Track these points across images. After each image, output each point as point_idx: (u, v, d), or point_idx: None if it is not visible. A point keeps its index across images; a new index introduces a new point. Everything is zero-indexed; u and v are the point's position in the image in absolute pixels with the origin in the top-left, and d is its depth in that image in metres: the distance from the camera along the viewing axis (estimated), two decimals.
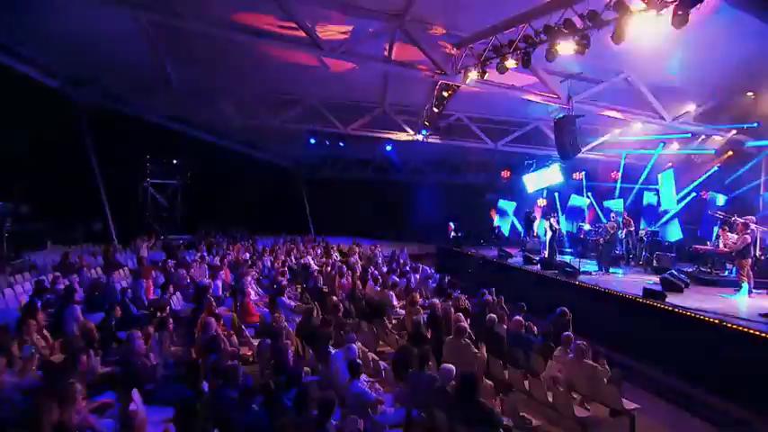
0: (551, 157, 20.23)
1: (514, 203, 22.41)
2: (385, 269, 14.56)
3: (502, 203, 23.28)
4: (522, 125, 19.84)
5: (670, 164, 17.97)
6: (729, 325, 8.08)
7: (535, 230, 17.55)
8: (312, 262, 15.73)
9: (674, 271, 11.46)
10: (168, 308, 9.01)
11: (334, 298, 9.17)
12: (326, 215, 28.48)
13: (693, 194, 16.76)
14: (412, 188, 26.71)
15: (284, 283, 10.90)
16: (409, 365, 5.80)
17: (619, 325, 10.26)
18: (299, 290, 12.61)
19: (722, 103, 14.47)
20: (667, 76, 13.95)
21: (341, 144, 21.37)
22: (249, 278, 11.10)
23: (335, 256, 16.89)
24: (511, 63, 10.78)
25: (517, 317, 8.02)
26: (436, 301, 9.17)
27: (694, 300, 9.85)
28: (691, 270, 12.83)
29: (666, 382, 8.49)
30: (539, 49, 10.19)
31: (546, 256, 15.81)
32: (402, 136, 20.29)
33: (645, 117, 14.41)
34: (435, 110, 15.89)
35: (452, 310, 8.49)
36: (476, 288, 15.45)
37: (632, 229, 14.98)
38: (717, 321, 8.32)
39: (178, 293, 10.63)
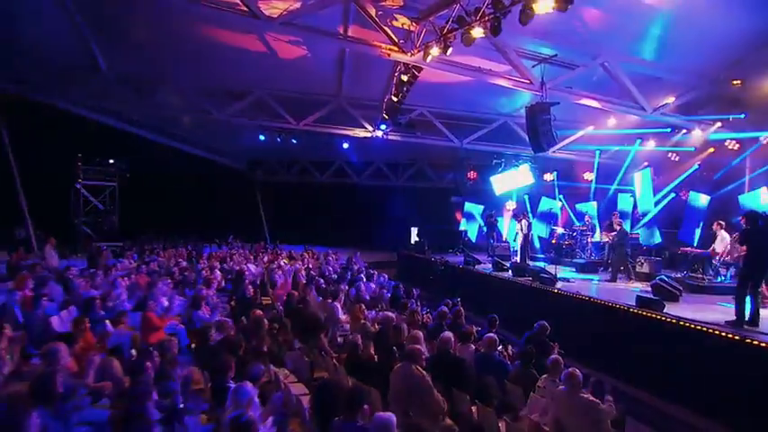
0: (521, 156, 18.83)
1: (482, 207, 20.87)
2: (336, 277, 12.67)
3: (468, 206, 21.69)
4: (489, 122, 18.35)
5: (646, 163, 16.74)
6: (756, 342, 6.47)
7: (504, 234, 15.99)
8: (252, 269, 13.70)
9: (663, 277, 9.98)
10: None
11: (258, 312, 7.23)
12: (283, 221, 26.38)
13: (672, 195, 15.49)
14: (373, 192, 24.93)
15: (204, 293, 8.90)
16: (335, 410, 3.96)
17: (608, 341, 8.62)
18: (233, 302, 10.62)
19: (705, 94, 13.24)
20: (647, 61, 12.69)
21: (293, 141, 19.44)
22: (160, 288, 9.05)
23: (281, 262, 14.89)
24: (478, 32, 9.19)
25: (489, 334, 6.24)
26: (390, 314, 7.37)
27: (694, 310, 8.29)
28: (680, 276, 11.40)
29: (672, 414, 6.87)
30: (510, 19, 8.69)
31: (518, 261, 14.25)
32: (360, 132, 18.57)
33: (624, 107, 13.06)
34: (394, 98, 14.19)
35: (406, 326, 6.65)
36: (440, 299, 13.95)
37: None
38: (737, 338, 6.71)
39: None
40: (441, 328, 7.05)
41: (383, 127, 17.54)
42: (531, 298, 11.13)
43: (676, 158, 15.81)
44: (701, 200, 14.44)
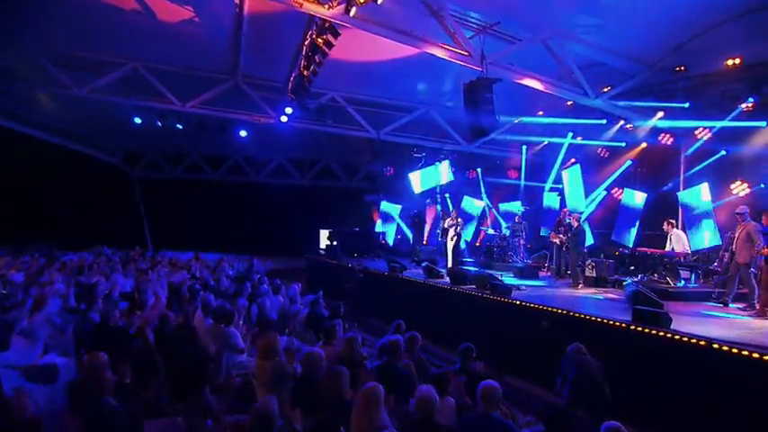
0: (442, 150, 17.12)
1: (399, 206, 18.88)
2: (232, 291, 9.87)
3: (385, 206, 19.58)
4: (409, 110, 16.44)
5: (573, 160, 15.71)
6: None
7: (439, 236, 14.08)
8: (121, 282, 10.47)
9: (630, 281, 8.50)
10: None
11: (96, 356, 4.38)
12: (169, 224, 22.48)
13: (604, 193, 14.48)
14: (274, 191, 22.04)
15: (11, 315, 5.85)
16: None
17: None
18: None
19: (646, 82, 12.22)
20: (590, 41, 11.40)
21: (178, 126, 16.19)
22: None
23: (161, 272, 11.71)
24: None
25: (488, 384, 3.93)
26: (316, 350, 4.90)
27: (693, 323, 6.63)
28: (638, 280, 10.04)
29: None
30: None
31: (451, 266, 12.35)
32: (261, 118, 15.84)
33: (566, 91, 11.64)
34: (305, 72, 11.69)
35: (342, 368, 4.19)
36: (358, 315, 11.61)
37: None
38: None
39: None
40: (392, 367, 4.74)
41: (289, 111, 14.92)
42: (480, 311, 9.12)
43: (606, 155, 14.88)
44: (637, 198, 13.49)
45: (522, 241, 14.33)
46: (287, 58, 13.88)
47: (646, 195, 13.31)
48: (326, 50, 10.91)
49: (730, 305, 8.18)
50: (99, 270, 11.89)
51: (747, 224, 7.99)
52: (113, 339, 6.39)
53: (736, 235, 8.14)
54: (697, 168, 12.11)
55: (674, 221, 10.54)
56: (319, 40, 10.43)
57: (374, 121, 16.47)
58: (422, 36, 10.20)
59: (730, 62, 10.72)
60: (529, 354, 7.37)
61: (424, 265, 12.03)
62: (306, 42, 11.57)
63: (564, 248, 11.28)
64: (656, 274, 10.08)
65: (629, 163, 13.95)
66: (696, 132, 12.19)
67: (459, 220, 13.29)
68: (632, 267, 11.51)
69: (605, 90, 12.06)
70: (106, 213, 21.35)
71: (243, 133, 16.56)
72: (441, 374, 4.47)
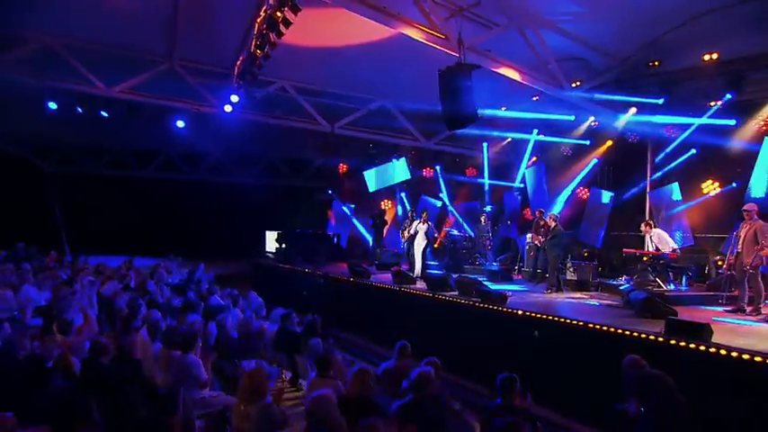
0: (399, 147, 16.15)
1: (352, 205, 17.67)
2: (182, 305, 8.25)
3: (339, 206, 18.25)
4: (366, 103, 15.32)
5: (535, 158, 15.22)
6: None
7: (404, 237, 13.03)
8: (33, 295, 8.59)
9: (626, 286, 7.86)
10: None
11: None
12: (90, 227, 19.89)
13: (568, 193, 14.03)
14: (213, 189, 20.16)
15: None
16: None
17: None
18: None
19: (620, 76, 11.83)
20: (568, 32, 10.83)
21: (103, 114, 14.15)
22: None
23: (85, 282, 9.84)
24: None
25: None
26: (326, 393, 3.67)
27: (722, 332, 5.92)
28: (624, 283, 9.47)
29: None
30: None
31: (420, 271, 11.34)
32: (202, 107, 14.17)
33: (542, 82, 10.97)
34: (258, 52, 10.29)
35: (377, 423, 2.99)
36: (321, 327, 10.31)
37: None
38: None
39: None
40: (423, 410, 3.62)
41: (235, 99, 13.36)
42: (468, 323, 8.10)
43: (569, 153, 14.47)
44: (604, 197, 13.11)
45: (488, 243, 13.59)
46: (233, 39, 12.39)
47: (612, 194, 12.94)
48: (283, 28, 9.61)
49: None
50: (3, 280, 9.83)
51: (755, 223, 7.51)
52: (23, 376, 4.85)
53: (743, 234, 7.65)
54: (669, 168, 11.84)
55: (652, 222, 10.10)
56: (278, 14, 9.09)
57: (328, 113, 15.21)
58: (396, 14, 9.14)
59: (707, 57, 10.43)
60: (546, 376, 6.38)
61: (394, 269, 10.94)
62: (259, 18, 10.18)
63: (543, 250, 10.55)
64: (637, 276, 9.57)
65: (594, 161, 13.56)
66: (665, 130, 11.99)
67: (430, 223, 12.32)
68: (614, 270, 11.01)
69: (576, 84, 11.56)
70: (12, 213, 18.61)
71: (180, 123, 14.74)
72: (509, 426, 3.36)
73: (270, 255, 16.82)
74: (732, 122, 10.82)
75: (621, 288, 8.50)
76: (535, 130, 14.31)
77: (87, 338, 5.39)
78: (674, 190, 11.62)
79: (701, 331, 5.32)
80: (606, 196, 13.06)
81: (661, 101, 11.25)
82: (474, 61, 9.68)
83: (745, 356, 4.87)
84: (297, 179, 20.74)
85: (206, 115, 14.80)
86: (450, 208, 16.15)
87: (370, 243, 15.21)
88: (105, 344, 4.84)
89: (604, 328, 6.07)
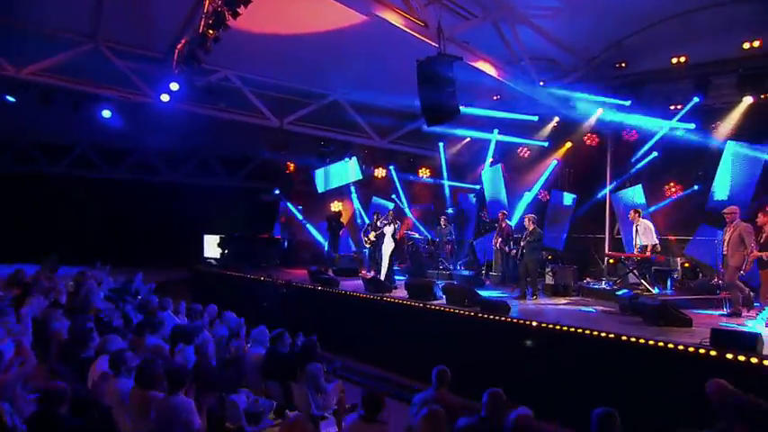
0: (352, 145, 15.24)
1: (300, 207, 16.47)
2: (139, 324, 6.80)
3: (287, 207, 16.88)
4: (317, 97, 14.29)
5: (491, 159, 14.91)
6: None
7: (366, 241, 12.08)
8: None
9: (628, 291, 7.47)
10: None
11: None
12: None
13: (529, 195, 13.79)
14: (146, 188, 18.14)
15: None
16: None
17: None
18: None
19: (587, 76, 11.68)
20: (544, 29, 10.50)
21: (8, 99, 12.13)
22: None
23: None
24: None
25: None
26: None
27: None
28: (606, 287, 9.17)
29: None
30: None
31: (382, 276, 10.48)
32: (130, 95, 12.53)
33: (517, 78, 10.53)
34: (210, 32, 9.04)
35: None
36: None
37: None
38: None
39: None
40: None
41: (174, 87, 11.84)
42: (461, 336, 7.37)
43: (527, 154, 14.28)
44: (566, 200, 12.96)
45: (450, 246, 13.02)
46: (172, 18, 10.99)
47: (575, 197, 12.81)
48: (242, 8, 8.47)
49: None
50: None
51: (739, 225, 7.39)
52: None
53: (727, 237, 7.50)
54: (633, 170, 11.84)
55: (640, 210, 9.83)
56: None
57: (276, 108, 14.02)
58: None
59: (675, 60, 10.45)
60: (567, 394, 5.76)
61: (366, 276, 10.02)
62: None
63: (517, 255, 10.04)
64: (620, 280, 9.33)
65: (554, 163, 13.40)
66: (628, 131, 12.04)
67: (398, 223, 11.53)
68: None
69: (542, 83, 11.25)
70: None
71: (106, 113, 12.88)
72: None
73: (212, 261, 15.25)
74: (692, 126, 10.94)
75: (618, 294, 8.12)
76: (496, 131, 13.94)
77: (26, 375, 4.07)
78: (638, 192, 11.60)
79: (754, 342, 4.90)
80: (568, 198, 12.91)
81: (628, 102, 11.15)
82: (452, 52, 9.06)
83: None
84: (240, 178, 19.13)
85: (136, 106, 13.14)
86: (408, 210, 15.47)
87: (326, 247, 14.16)
88: (60, 387, 3.57)
89: (641, 341, 5.52)
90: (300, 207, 16.30)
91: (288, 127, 14.11)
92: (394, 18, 8.48)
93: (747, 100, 9.86)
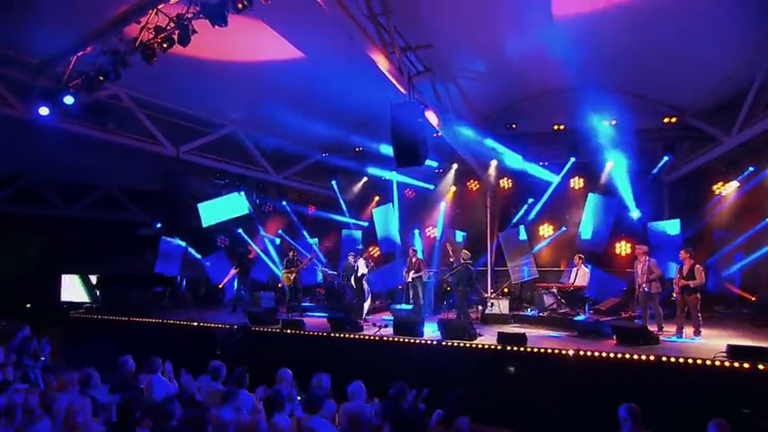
0: (245, 177, 14.61)
1: (183, 243, 14.69)
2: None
3: (168, 242, 14.74)
4: (215, 127, 13.44)
5: (377, 198, 15.95)
6: None
7: (289, 281, 11.48)
8: None
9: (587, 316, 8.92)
10: None
11: None
12: None
13: (417, 231, 15.10)
14: None
15: None
16: None
17: None
18: None
19: (488, 132, 13.57)
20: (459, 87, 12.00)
21: None
22: None
23: None
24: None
25: None
26: None
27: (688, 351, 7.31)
28: (539, 314, 10.67)
29: None
30: None
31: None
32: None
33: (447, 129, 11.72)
34: (157, 41, 8.22)
35: None
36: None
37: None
38: None
39: None
40: None
41: (68, 100, 9.97)
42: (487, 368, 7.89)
43: (412, 195, 15.70)
44: (458, 237, 14.53)
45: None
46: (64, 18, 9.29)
47: (465, 234, 14.48)
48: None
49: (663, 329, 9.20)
50: None
51: (648, 260, 9.51)
52: None
53: (640, 270, 9.53)
54: (521, 211, 14.03)
55: (582, 256, 11.45)
56: None
57: (171, 134, 12.72)
58: (372, 37, 8.62)
59: (556, 127, 12.98)
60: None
61: (341, 315, 9.69)
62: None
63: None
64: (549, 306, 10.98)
65: (444, 204, 14.99)
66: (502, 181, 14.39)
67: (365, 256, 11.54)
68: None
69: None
70: None
71: None
72: None
73: (90, 305, 12.42)
74: (553, 178, 13.62)
75: (576, 319, 9.58)
76: (394, 172, 14.93)
77: None
78: (521, 231, 13.74)
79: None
80: (459, 236, 14.49)
81: (520, 157, 13.28)
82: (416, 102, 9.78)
83: None
84: (122, 203, 16.06)
85: None
86: (315, 245, 15.30)
87: (235, 287, 12.88)
88: None
89: (663, 359, 6.78)
90: (183, 244, 14.63)
91: (184, 156, 12.88)
92: (382, 61, 8.89)
93: (609, 163, 12.74)
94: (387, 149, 13.71)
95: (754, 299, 11.42)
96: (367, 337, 9.07)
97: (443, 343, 8.48)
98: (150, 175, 13.90)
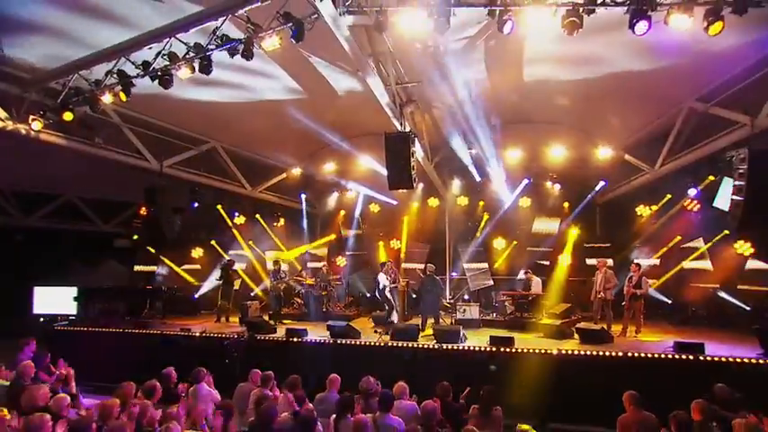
0: (226, 192, 15.13)
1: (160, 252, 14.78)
2: None
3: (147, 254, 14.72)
4: (197, 143, 13.86)
5: (344, 212, 17.08)
6: None
7: (278, 290, 12.13)
8: None
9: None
10: None
11: None
12: None
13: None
14: None
15: None
16: None
17: None
18: None
19: None
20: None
21: None
22: None
23: None
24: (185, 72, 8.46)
25: None
26: None
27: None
28: (506, 319, 12.18)
29: None
30: None
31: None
32: None
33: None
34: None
35: None
36: None
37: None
38: None
39: None
40: None
41: (67, 117, 10.15)
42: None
43: (377, 210, 16.88)
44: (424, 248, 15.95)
45: (336, 290, 14.36)
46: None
47: (429, 246, 15.91)
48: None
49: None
50: None
51: (606, 271, 11.37)
52: None
53: (599, 279, 11.37)
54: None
55: (530, 270, 13.12)
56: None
57: (154, 149, 13.02)
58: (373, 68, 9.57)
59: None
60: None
61: (335, 325, 10.52)
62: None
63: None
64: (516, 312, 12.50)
65: (406, 219, 16.33)
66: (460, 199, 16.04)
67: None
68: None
69: None
70: None
71: None
72: None
73: (73, 317, 12.15)
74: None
75: (542, 323, 11.09)
76: (362, 188, 16.04)
77: None
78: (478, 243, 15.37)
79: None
80: (426, 247, 15.91)
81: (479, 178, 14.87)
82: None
83: None
84: (73, 220, 15.81)
85: None
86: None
87: (219, 299, 13.17)
88: None
89: (690, 357, 8.19)
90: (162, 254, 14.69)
91: (168, 171, 13.21)
92: (381, 92, 9.86)
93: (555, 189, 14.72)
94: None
95: (669, 302, 13.72)
96: (369, 344, 10.11)
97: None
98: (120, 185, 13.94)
